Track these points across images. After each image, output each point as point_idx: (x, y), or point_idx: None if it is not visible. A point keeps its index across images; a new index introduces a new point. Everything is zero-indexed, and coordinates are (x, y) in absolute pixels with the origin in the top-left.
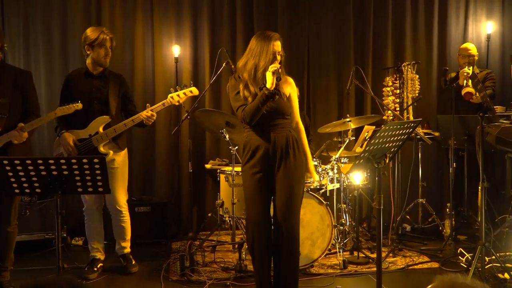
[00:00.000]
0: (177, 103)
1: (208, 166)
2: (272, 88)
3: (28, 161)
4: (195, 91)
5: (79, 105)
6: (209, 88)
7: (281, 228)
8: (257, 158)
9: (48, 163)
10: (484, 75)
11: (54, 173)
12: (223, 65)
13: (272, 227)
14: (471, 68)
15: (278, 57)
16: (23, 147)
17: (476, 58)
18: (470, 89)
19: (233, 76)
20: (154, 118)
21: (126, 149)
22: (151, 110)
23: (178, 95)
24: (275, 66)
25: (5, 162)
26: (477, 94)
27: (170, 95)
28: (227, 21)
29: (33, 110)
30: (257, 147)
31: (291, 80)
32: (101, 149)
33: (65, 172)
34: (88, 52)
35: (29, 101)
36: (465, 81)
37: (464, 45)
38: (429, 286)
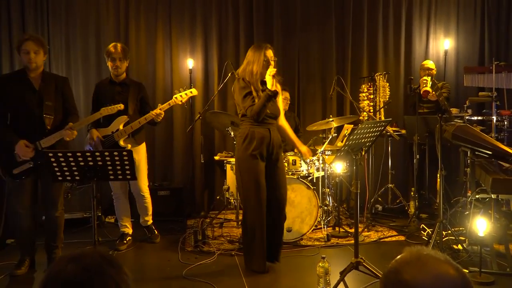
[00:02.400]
0: (180, 103)
1: (216, 157)
2: (273, 89)
3: (69, 154)
4: (194, 91)
5: (121, 106)
6: (217, 94)
7: (282, 202)
8: (262, 147)
9: (86, 155)
10: (440, 85)
11: (91, 163)
12: (229, 75)
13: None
14: (429, 77)
15: (272, 63)
16: (65, 143)
17: (434, 72)
18: (427, 88)
19: (240, 79)
20: (162, 115)
21: (144, 144)
22: (160, 109)
23: (181, 96)
24: (273, 70)
25: (50, 154)
26: (433, 92)
27: (174, 96)
28: (232, 39)
29: (72, 110)
30: (262, 139)
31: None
32: (121, 143)
33: (100, 163)
34: (108, 64)
35: (68, 102)
36: (424, 84)
37: (425, 62)
38: (399, 256)
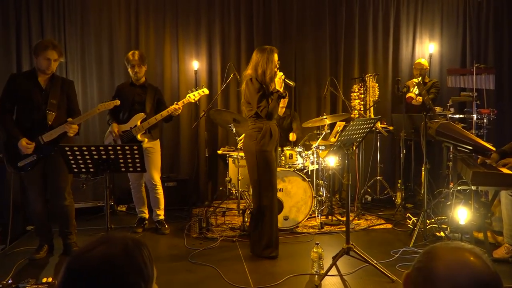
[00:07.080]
0: (193, 101)
1: (219, 151)
2: (282, 91)
3: (84, 148)
4: (206, 91)
5: (117, 102)
6: (220, 93)
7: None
8: (274, 140)
9: (99, 149)
10: (431, 84)
11: (104, 157)
12: (231, 76)
13: None
14: (420, 78)
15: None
16: (71, 138)
17: (427, 69)
18: (411, 94)
19: (254, 79)
20: (180, 110)
21: (158, 140)
22: (177, 104)
23: (194, 95)
24: (282, 75)
25: (67, 148)
26: (417, 98)
27: (188, 95)
28: (234, 43)
29: (75, 109)
30: (275, 134)
31: None
32: (139, 137)
33: (112, 156)
34: (128, 69)
35: (73, 103)
36: (411, 88)
37: (418, 60)
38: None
